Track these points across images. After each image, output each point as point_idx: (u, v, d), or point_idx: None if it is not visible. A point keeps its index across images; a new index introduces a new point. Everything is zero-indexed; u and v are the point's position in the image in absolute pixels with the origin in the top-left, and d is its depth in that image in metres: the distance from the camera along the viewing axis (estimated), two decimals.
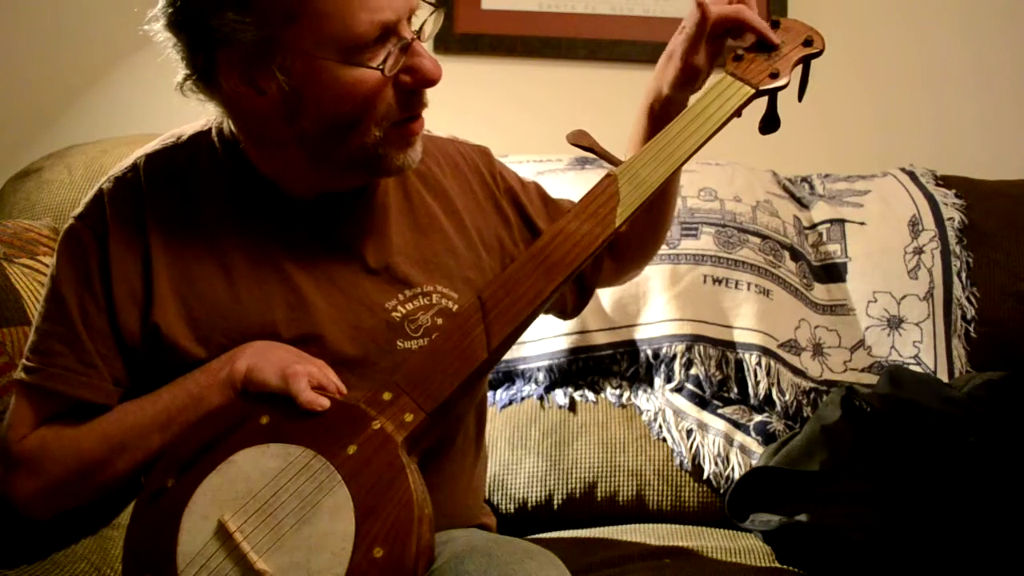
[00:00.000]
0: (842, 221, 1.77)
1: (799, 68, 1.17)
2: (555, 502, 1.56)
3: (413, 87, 1.02)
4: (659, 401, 1.63)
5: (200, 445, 1.00)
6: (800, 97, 1.19)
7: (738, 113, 1.13)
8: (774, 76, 1.14)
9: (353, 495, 0.95)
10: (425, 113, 1.07)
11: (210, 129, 1.12)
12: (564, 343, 1.66)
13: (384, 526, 0.93)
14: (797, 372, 1.63)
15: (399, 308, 1.11)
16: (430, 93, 1.06)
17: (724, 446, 1.57)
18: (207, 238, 1.09)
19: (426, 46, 1.04)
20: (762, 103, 1.18)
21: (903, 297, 1.70)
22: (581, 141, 1.13)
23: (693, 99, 1.16)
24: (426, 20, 1.04)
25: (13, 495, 1.08)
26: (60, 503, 1.11)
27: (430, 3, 1.05)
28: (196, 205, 1.09)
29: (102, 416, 1.07)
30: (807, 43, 1.17)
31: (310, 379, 1.00)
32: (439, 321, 1.12)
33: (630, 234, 1.29)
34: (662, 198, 1.24)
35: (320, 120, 1.01)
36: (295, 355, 1.05)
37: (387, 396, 1.01)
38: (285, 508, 0.95)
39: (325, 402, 0.98)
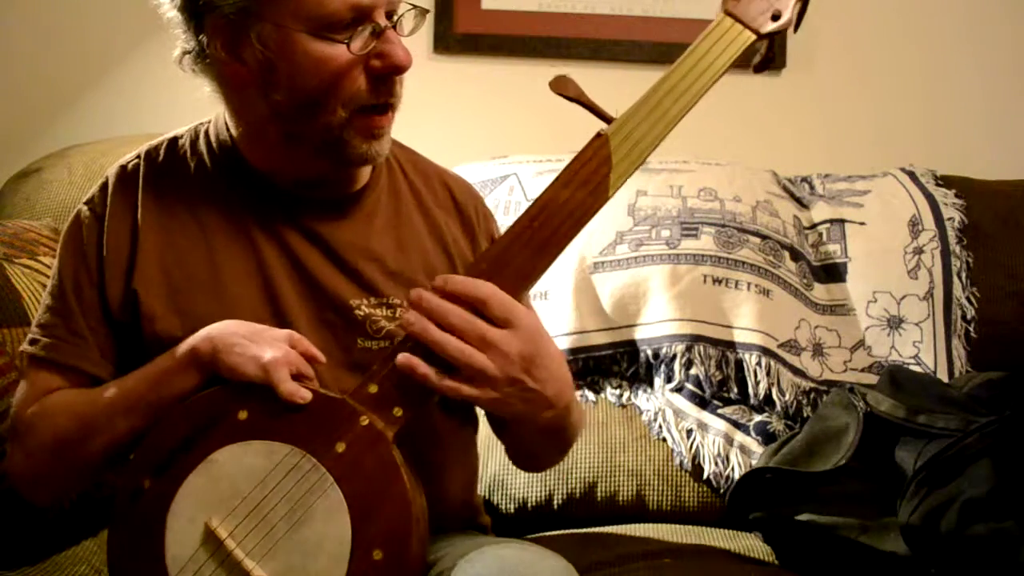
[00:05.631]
0: (842, 221, 1.77)
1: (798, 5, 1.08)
2: (555, 502, 1.56)
3: (382, 72, 1.04)
4: (659, 401, 1.63)
5: (175, 443, 0.97)
6: (795, 28, 1.10)
7: (757, 68, 1.07)
8: (776, 17, 1.05)
9: (347, 497, 0.92)
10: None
11: (210, 121, 1.17)
12: (564, 343, 1.66)
13: (382, 527, 0.91)
14: (797, 372, 1.63)
15: (363, 308, 1.11)
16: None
17: (724, 446, 1.57)
18: (193, 219, 1.12)
19: (407, 42, 1.06)
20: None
21: (903, 297, 1.70)
22: (567, 91, 1.05)
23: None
24: (403, 14, 1.07)
25: (7, 468, 1.11)
26: (46, 482, 1.11)
27: (411, 4, 1.07)
28: (187, 189, 1.13)
29: (79, 394, 1.08)
30: None
31: (289, 367, 0.97)
32: (401, 331, 1.08)
33: (520, 449, 1.22)
34: (559, 435, 1.13)
35: (291, 93, 1.04)
36: (267, 335, 1.01)
37: (373, 389, 0.97)
38: (277, 512, 0.93)
39: (307, 394, 0.96)
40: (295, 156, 1.10)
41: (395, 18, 1.05)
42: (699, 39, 1.04)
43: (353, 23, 1.02)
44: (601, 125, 1.03)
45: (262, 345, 0.99)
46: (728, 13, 1.05)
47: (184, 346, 1.03)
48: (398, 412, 0.96)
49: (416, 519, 0.93)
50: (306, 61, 1.02)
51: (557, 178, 1.01)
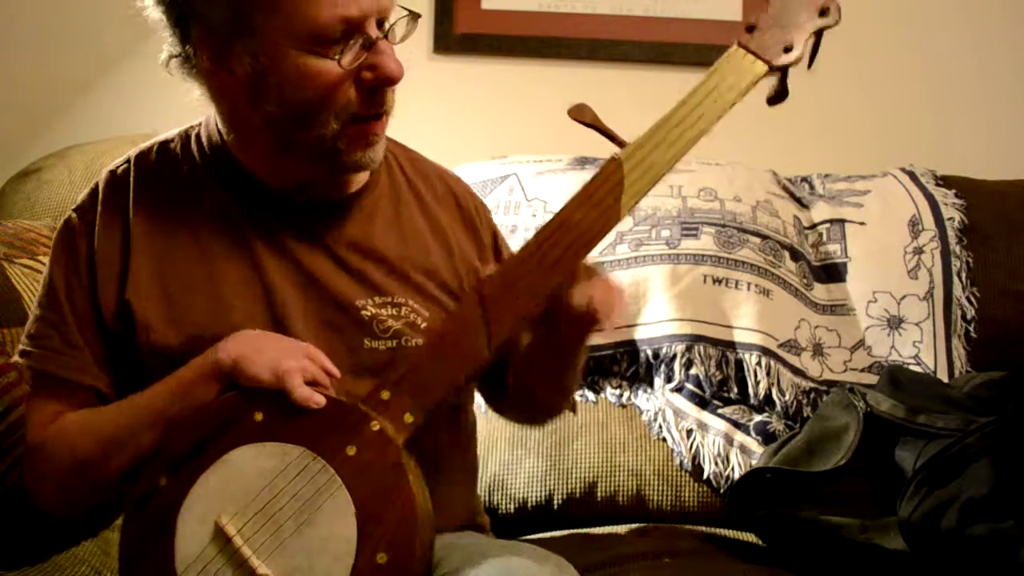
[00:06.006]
0: (842, 221, 1.77)
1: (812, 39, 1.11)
2: (555, 502, 1.56)
3: (373, 84, 1.04)
4: (659, 401, 1.63)
5: (192, 443, 0.99)
6: (809, 65, 1.13)
7: (770, 101, 1.09)
8: (788, 50, 1.07)
9: (354, 498, 0.94)
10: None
11: (201, 123, 1.16)
12: None
13: (387, 530, 0.92)
14: (797, 372, 1.63)
15: (369, 308, 1.11)
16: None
17: (724, 446, 1.57)
18: (187, 224, 1.11)
19: (406, 42, 1.06)
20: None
21: (903, 297, 1.70)
22: (583, 117, 1.07)
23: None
24: (395, 22, 1.06)
25: (28, 491, 1.10)
26: (69, 500, 1.11)
27: (403, 8, 1.06)
28: (180, 193, 1.12)
29: (96, 413, 1.08)
30: (823, 13, 1.12)
31: (304, 374, 0.99)
32: (408, 330, 1.11)
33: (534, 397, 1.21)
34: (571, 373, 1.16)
35: (281, 105, 1.03)
36: (284, 345, 1.04)
37: (385, 395, 0.99)
38: (285, 511, 0.95)
39: (320, 399, 0.97)
40: (288, 162, 1.09)
41: (386, 27, 1.04)
42: (712, 69, 1.06)
43: (344, 36, 1.01)
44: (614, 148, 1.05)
45: (278, 354, 1.00)
46: (741, 45, 1.07)
47: (204, 358, 1.03)
48: (409, 419, 0.98)
49: (421, 524, 0.94)
50: (296, 75, 1.01)
51: (571, 199, 1.04)
